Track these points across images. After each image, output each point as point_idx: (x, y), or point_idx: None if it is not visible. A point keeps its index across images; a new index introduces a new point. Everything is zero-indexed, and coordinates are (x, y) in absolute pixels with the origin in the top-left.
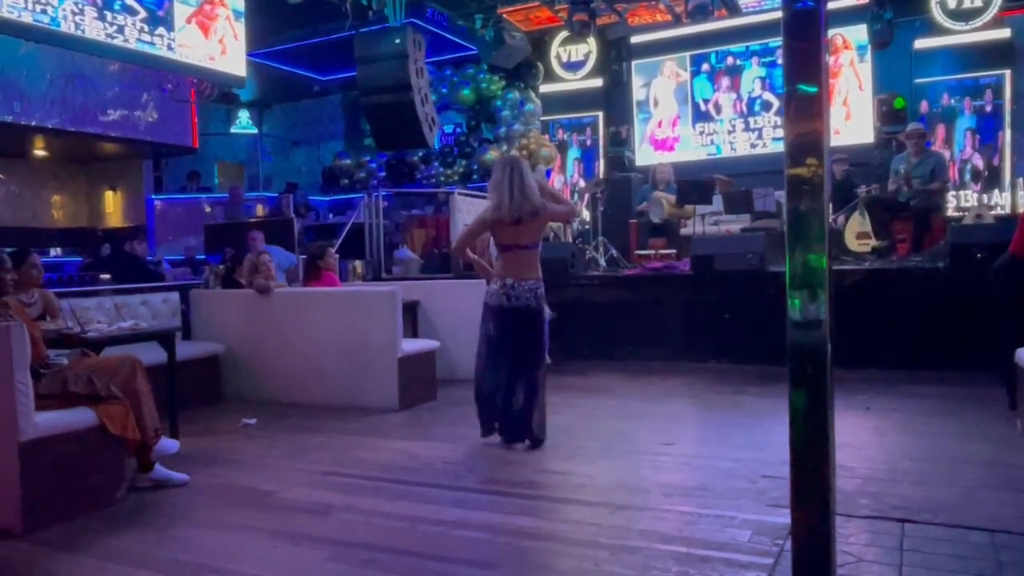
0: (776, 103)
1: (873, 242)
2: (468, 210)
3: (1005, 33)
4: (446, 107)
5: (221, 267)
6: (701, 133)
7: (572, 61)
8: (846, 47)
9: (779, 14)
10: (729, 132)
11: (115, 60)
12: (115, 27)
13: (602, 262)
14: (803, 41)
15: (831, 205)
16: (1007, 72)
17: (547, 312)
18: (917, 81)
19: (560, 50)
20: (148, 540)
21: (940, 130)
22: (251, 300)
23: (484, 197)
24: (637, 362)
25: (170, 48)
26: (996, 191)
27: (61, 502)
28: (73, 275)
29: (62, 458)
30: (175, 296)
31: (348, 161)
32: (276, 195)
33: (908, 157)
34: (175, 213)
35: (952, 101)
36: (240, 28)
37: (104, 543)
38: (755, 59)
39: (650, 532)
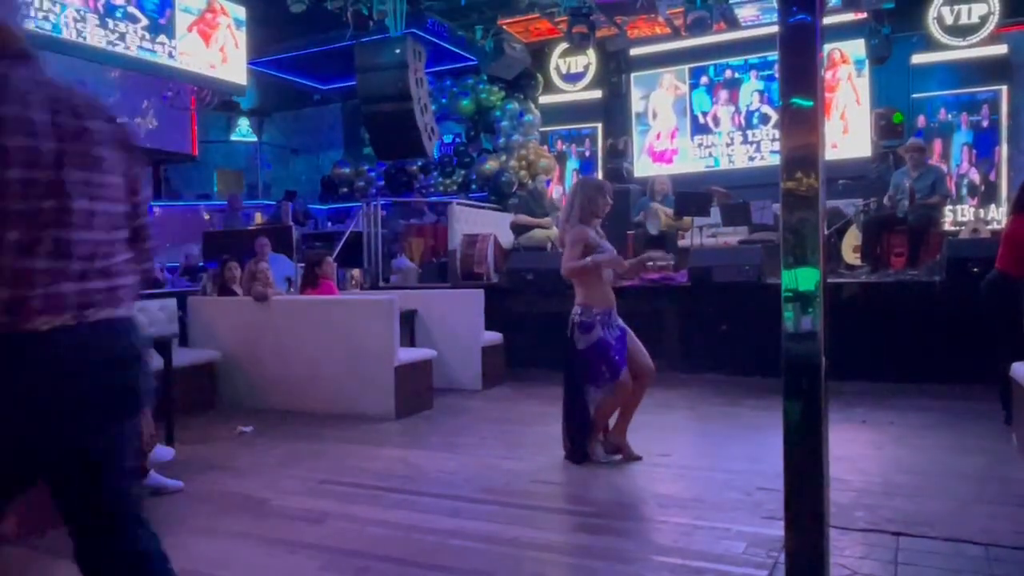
0: (774, 116)
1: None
2: (467, 220)
3: (1002, 49)
4: (445, 117)
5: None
6: (699, 145)
7: (571, 73)
8: (844, 61)
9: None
10: (727, 145)
11: (116, 67)
12: (116, 35)
13: None
14: (798, 55)
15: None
16: (1004, 88)
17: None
18: (914, 96)
19: (559, 62)
20: None
21: (937, 145)
22: (249, 308)
23: (482, 207)
24: None
25: (171, 56)
26: (993, 206)
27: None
28: None
29: None
30: (172, 303)
31: (347, 170)
32: (275, 203)
33: (908, 172)
34: (173, 220)
35: (949, 116)
36: (241, 37)
37: None
38: (753, 72)
39: (645, 543)
